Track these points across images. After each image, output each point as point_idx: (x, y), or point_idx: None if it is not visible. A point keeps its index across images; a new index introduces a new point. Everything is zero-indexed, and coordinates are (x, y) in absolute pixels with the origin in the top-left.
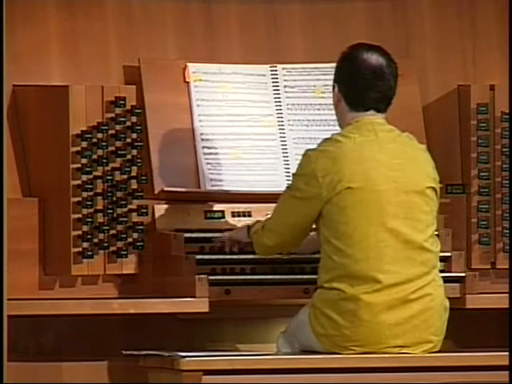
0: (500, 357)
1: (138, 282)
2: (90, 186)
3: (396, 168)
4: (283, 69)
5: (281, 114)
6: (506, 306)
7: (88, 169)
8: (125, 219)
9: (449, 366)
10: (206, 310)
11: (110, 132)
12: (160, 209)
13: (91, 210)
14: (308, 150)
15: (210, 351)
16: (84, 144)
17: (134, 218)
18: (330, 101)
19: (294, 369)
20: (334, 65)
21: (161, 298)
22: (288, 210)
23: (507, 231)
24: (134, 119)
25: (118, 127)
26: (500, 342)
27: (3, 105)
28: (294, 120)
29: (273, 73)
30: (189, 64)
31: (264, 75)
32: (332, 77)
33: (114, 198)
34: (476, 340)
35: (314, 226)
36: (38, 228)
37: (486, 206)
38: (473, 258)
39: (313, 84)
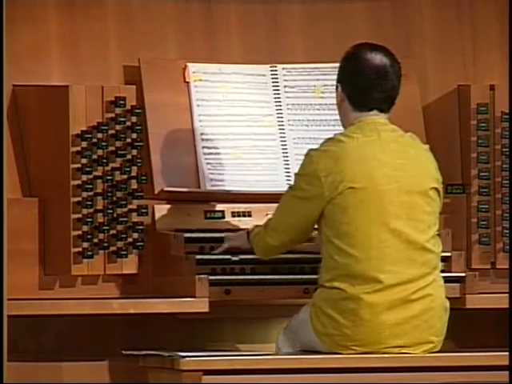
0: (500, 357)
1: (138, 282)
2: (90, 186)
3: (398, 168)
4: (283, 69)
5: (281, 114)
6: (506, 306)
7: (88, 169)
8: (125, 219)
9: (449, 366)
10: (206, 309)
11: (110, 132)
12: (160, 209)
13: (91, 210)
14: (310, 150)
15: (209, 351)
16: (84, 144)
17: (134, 218)
18: (330, 101)
19: (294, 369)
20: (334, 65)
21: (161, 298)
22: (290, 209)
23: (507, 231)
24: (134, 119)
25: (117, 127)
26: (500, 342)
27: (3, 105)
28: (294, 120)
29: (273, 73)
30: (189, 64)
31: (264, 75)
32: (332, 77)
33: (114, 198)
34: (476, 340)
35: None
36: (37, 228)
37: (486, 206)
38: (473, 257)
39: (313, 84)
